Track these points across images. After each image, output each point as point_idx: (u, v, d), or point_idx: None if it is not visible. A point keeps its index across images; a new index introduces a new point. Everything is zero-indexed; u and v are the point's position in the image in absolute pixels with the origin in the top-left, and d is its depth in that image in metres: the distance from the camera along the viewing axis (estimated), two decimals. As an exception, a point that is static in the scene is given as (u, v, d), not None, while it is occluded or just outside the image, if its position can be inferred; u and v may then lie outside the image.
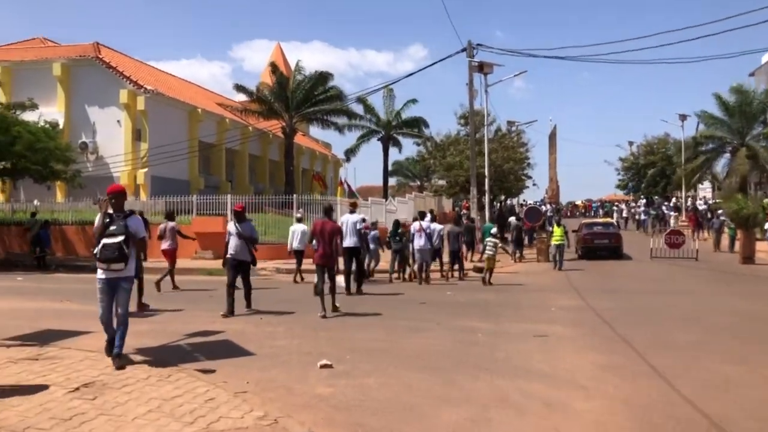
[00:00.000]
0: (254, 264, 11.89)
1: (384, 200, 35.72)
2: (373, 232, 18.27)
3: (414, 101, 49.90)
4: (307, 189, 42.64)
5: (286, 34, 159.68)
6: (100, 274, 7.22)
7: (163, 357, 7.83)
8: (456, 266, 18.53)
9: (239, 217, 11.51)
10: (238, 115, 38.35)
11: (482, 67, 26.48)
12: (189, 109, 35.12)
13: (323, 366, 7.43)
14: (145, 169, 31.35)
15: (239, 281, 11.57)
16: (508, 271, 20.86)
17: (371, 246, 17.78)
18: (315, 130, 54.48)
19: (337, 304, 11.74)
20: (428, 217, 18.94)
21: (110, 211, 7.24)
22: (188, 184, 34.16)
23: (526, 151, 38.88)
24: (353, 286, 14.60)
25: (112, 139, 31.71)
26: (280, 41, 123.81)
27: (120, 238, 7.04)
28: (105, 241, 7.04)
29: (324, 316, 10.98)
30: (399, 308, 12.44)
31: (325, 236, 11.41)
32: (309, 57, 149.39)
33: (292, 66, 40.22)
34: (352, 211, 15.47)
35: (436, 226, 17.64)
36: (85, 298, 13.04)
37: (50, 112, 31.39)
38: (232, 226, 11.53)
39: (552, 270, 21.56)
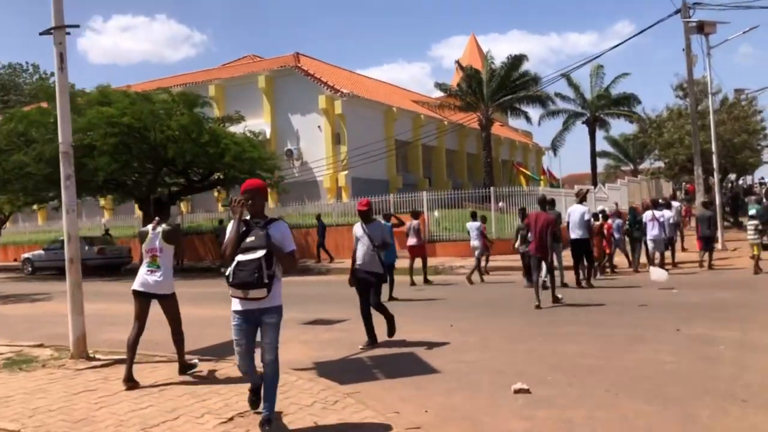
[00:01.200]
0: (384, 280, 9.20)
1: (593, 187, 32.87)
2: (617, 221, 17.35)
3: (625, 75, 46.00)
4: (509, 180, 40.93)
5: (483, 27, 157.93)
6: (235, 305, 5.14)
7: (339, 373, 6.99)
8: (706, 255, 16.82)
9: (365, 217, 8.85)
10: (434, 110, 37.83)
11: (702, 27, 22.90)
12: (384, 108, 35.22)
13: (518, 391, 6.07)
14: (346, 172, 31.86)
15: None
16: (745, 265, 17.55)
17: (616, 236, 16.93)
18: (515, 121, 52.77)
19: (559, 296, 11.78)
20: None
21: (246, 216, 5.23)
22: (387, 183, 34.24)
23: (761, 120, 33.58)
24: (583, 280, 14.04)
25: (314, 144, 32.70)
26: (477, 34, 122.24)
27: (260, 254, 4.99)
28: (240, 257, 5.03)
29: (538, 306, 11.00)
30: (616, 312, 10.58)
31: (538, 227, 11.42)
32: (508, 47, 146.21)
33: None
34: (580, 202, 14.65)
35: (667, 213, 16.61)
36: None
37: (258, 123, 33.20)
38: (358, 228, 8.75)
39: None
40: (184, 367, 6.97)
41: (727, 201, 25.36)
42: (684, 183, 44.50)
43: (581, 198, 15.06)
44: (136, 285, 6.68)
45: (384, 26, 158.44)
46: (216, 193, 28.62)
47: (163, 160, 23.53)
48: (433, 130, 37.22)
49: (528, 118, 40.14)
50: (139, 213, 33.97)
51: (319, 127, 32.59)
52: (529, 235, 11.74)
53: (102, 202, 33.98)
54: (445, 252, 24.23)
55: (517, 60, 35.43)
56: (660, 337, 8.23)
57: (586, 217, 13.93)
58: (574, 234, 13.80)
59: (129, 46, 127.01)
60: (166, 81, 37.54)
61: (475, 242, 16.96)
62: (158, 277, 6.65)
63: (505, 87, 35.39)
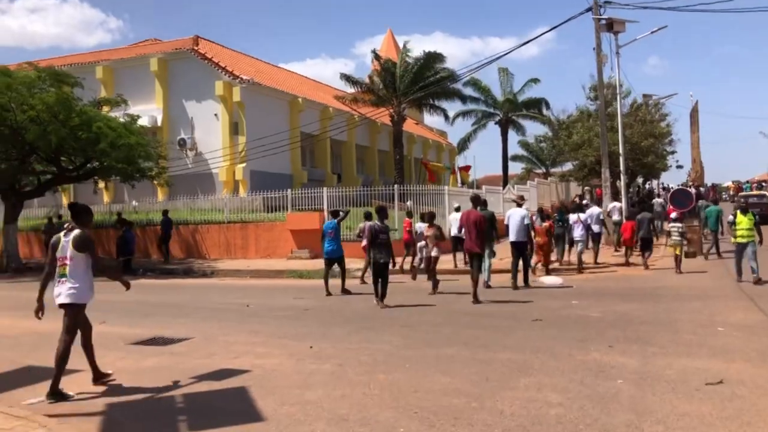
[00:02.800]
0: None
1: (501, 188, 32.07)
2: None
3: (535, 81, 45.66)
4: (421, 179, 39.76)
5: (407, 26, 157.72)
6: None
7: (120, 423, 5.20)
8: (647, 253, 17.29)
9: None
10: (345, 103, 36.11)
11: (611, 26, 22.24)
12: (289, 98, 33.16)
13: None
14: (244, 164, 29.66)
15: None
16: (643, 272, 16.78)
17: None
18: (430, 119, 51.83)
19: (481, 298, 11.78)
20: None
21: None
22: (291, 178, 32.24)
23: (667, 126, 33.67)
24: (520, 280, 14.02)
25: (210, 134, 30.32)
26: (401, 35, 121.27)
27: None
28: None
29: (477, 301, 11.51)
30: (504, 328, 9.16)
31: (470, 223, 11.83)
32: (431, 47, 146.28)
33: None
34: (519, 205, 15.03)
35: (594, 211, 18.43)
36: (129, 316, 10.88)
37: (149, 109, 30.62)
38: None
39: (707, 264, 17.41)
40: (53, 389, 6.09)
41: (634, 204, 24.88)
42: (593, 187, 44.78)
43: (520, 202, 15.51)
44: (56, 297, 6.35)
45: (308, 22, 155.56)
46: (96, 184, 25.90)
47: (28, 145, 20.77)
48: (342, 124, 35.44)
49: (447, 116, 39.31)
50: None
51: (215, 115, 30.23)
52: (463, 232, 12.47)
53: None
54: (347, 252, 22.53)
55: (432, 57, 34.20)
56: (548, 366, 6.81)
57: (526, 221, 14.15)
58: (514, 237, 13.97)
59: (37, 28, 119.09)
60: (54, 61, 34.19)
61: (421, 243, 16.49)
62: (67, 287, 6.30)
63: (418, 83, 34.10)
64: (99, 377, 6.61)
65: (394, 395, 5.87)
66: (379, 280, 11.59)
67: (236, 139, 30.06)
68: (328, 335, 8.85)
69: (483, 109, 45.59)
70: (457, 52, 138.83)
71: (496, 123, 45.67)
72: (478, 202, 12.80)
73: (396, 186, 23.86)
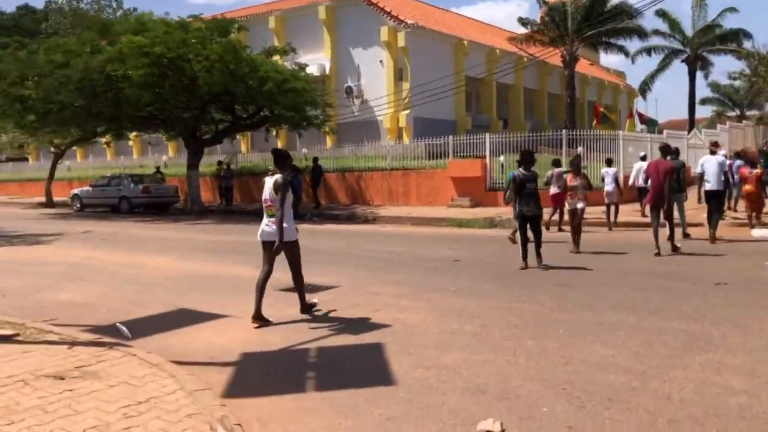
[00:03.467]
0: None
1: (686, 133, 29.06)
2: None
3: (732, 9, 40.53)
4: (594, 124, 37.18)
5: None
6: None
7: (253, 375, 5.08)
8: None
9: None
10: (514, 44, 34.40)
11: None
12: (454, 42, 32.19)
13: (483, 436, 3.95)
14: (407, 111, 29.41)
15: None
16: None
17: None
18: (606, 59, 48.33)
19: (678, 245, 11.53)
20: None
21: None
22: (454, 124, 31.56)
23: None
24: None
25: (375, 81, 30.31)
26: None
27: None
28: None
29: (658, 254, 10.85)
30: (681, 291, 8.03)
31: (659, 176, 11.20)
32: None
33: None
34: (713, 152, 13.78)
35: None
36: (284, 261, 11.03)
37: (318, 58, 31.20)
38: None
39: None
40: (305, 308, 7.21)
41: None
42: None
43: (713, 149, 14.10)
44: (259, 235, 7.11)
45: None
46: (267, 132, 26.94)
47: (206, 95, 21.94)
48: (509, 66, 33.86)
49: (626, 53, 36.19)
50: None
51: (380, 61, 30.11)
52: (648, 183, 11.88)
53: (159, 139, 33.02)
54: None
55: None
56: (732, 341, 5.76)
57: (724, 168, 13.28)
58: (711, 185, 13.02)
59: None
60: (234, 13, 35.91)
61: (608, 188, 16.40)
62: (273, 228, 6.90)
63: (591, 19, 31.55)
64: (305, 308, 7.24)
65: (542, 366, 5.21)
66: (529, 237, 10.02)
67: (400, 86, 29.81)
68: (477, 291, 8.28)
69: (668, 45, 41.54)
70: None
71: (682, 61, 41.46)
72: (668, 151, 12.18)
73: (564, 131, 22.31)
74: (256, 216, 23.33)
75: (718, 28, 40.11)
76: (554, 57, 34.32)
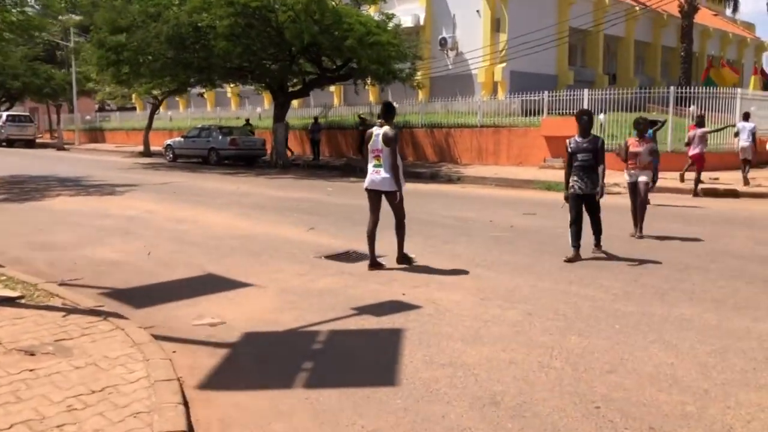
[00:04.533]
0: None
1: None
2: None
3: None
4: (719, 80, 33.74)
5: None
6: None
7: (263, 358, 4.54)
8: None
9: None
10: (626, -6, 31.73)
11: None
12: (558, -10, 30.02)
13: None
14: (504, 64, 27.78)
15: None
16: None
17: None
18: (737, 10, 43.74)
19: None
20: None
21: None
22: (555, 79, 29.61)
23: None
24: None
25: (471, 32, 28.75)
26: None
27: None
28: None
29: None
30: (725, 268, 6.79)
31: None
32: None
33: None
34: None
35: None
36: (341, 223, 10.51)
37: (412, 8, 30.02)
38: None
39: None
40: (403, 259, 7.53)
41: None
42: None
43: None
44: (366, 183, 7.49)
45: None
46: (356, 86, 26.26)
47: (293, 46, 21.48)
48: (619, 17, 31.24)
49: (736, 5, 32.68)
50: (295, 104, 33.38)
51: (477, 11, 28.51)
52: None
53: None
54: (611, 165, 20.12)
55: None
56: (834, 356, 4.63)
57: None
58: None
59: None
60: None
61: (744, 143, 16.18)
62: (382, 175, 7.26)
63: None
64: (401, 259, 7.56)
65: (579, 373, 4.33)
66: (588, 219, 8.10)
67: (497, 37, 28.16)
68: (535, 269, 7.35)
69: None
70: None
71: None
72: None
73: (672, 88, 20.26)
74: (340, 171, 23.43)
75: None
76: (671, 6, 31.40)
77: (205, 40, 20.92)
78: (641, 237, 9.30)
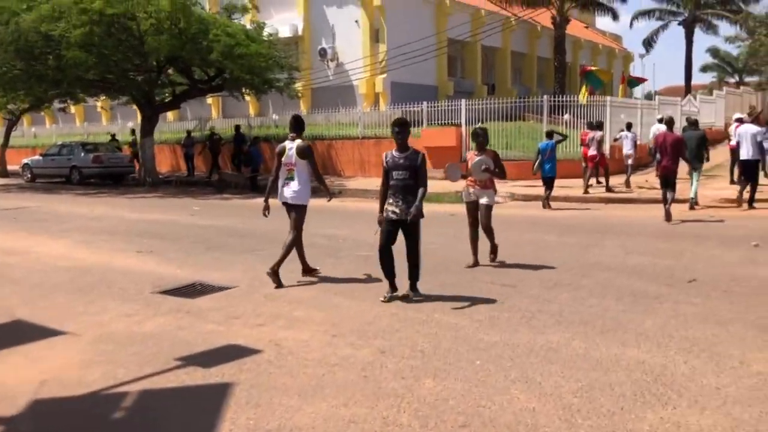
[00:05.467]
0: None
1: (679, 99, 27.31)
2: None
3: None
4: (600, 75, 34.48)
5: None
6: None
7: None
8: None
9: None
10: (497, 4, 32.27)
11: None
12: (436, 1, 30.14)
13: None
14: (384, 75, 27.50)
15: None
16: None
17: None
18: (603, 22, 46.08)
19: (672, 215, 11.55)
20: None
21: None
22: (436, 89, 29.69)
23: None
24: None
25: (351, 43, 28.32)
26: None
27: None
28: None
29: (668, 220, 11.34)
30: (649, 296, 6.49)
31: (667, 148, 11.58)
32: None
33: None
34: (752, 122, 14.45)
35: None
36: (192, 249, 9.51)
37: (290, 17, 29.22)
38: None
39: None
40: (273, 275, 7.15)
41: None
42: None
43: (754, 118, 14.99)
44: (279, 197, 7.40)
45: None
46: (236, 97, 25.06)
47: (158, 57, 20.10)
48: (496, 28, 31.74)
49: (615, 15, 34.05)
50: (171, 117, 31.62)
51: (356, 21, 28.12)
52: (657, 156, 11.97)
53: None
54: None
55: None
56: (701, 385, 4.21)
57: (759, 138, 13.26)
58: (745, 155, 13.27)
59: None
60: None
61: (629, 151, 17.38)
62: (293, 188, 7.22)
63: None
64: (307, 270, 7.60)
65: (428, 431, 3.68)
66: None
67: (377, 48, 27.89)
68: (401, 293, 6.73)
69: (664, 7, 39.70)
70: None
71: (679, 24, 39.58)
72: (671, 124, 12.89)
73: (545, 97, 20.59)
74: (214, 188, 22.14)
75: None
76: (545, 18, 32.35)
77: (58, 50, 19.15)
78: (496, 263, 8.12)
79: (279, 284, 7.04)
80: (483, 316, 5.89)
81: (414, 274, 6.61)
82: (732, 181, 16.42)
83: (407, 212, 6.33)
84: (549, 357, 4.80)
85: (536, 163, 14.31)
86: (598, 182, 17.04)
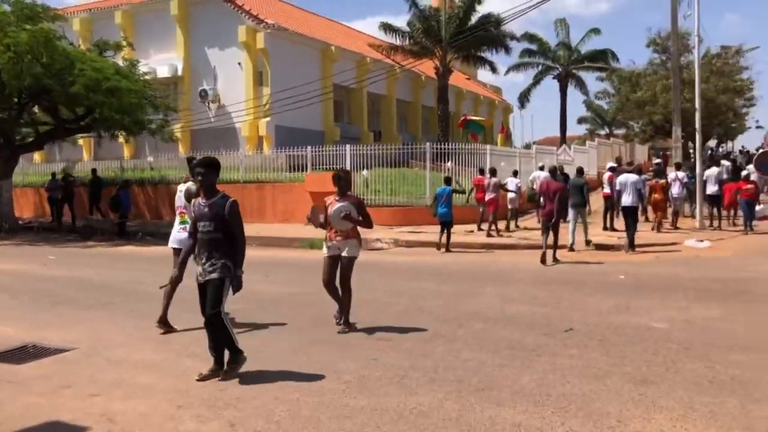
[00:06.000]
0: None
1: (555, 149, 28.53)
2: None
3: (596, 31, 41.64)
4: (468, 138, 35.76)
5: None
6: None
7: None
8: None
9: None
10: (383, 53, 32.72)
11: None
12: (321, 46, 30.09)
13: None
14: (268, 119, 26.95)
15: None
16: (719, 252, 13.47)
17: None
18: (484, 74, 47.85)
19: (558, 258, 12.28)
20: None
21: None
22: (322, 134, 29.44)
23: (748, 79, 29.10)
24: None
25: (233, 85, 27.68)
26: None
27: None
28: None
29: (543, 262, 11.79)
30: (526, 349, 6.23)
31: (550, 195, 12.17)
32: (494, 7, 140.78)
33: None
34: (630, 171, 15.62)
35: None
36: (35, 304, 8.43)
37: (169, 58, 28.28)
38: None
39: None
40: (163, 323, 6.93)
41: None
42: (658, 150, 40.60)
43: (636, 169, 15.98)
44: (171, 242, 7.29)
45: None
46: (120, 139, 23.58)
47: (22, 92, 18.59)
48: (381, 76, 32.11)
49: (493, 68, 35.44)
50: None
51: (239, 64, 27.53)
52: (541, 201, 12.60)
53: None
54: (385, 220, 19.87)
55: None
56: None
57: (638, 186, 14.27)
58: (626, 201, 14.05)
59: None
60: (77, 8, 32.25)
61: (512, 195, 18.21)
62: (185, 235, 6.62)
63: (465, 31, 30.50)
64: (164, 322, 7.00)
65: None
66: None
67: (261, 91, 27.38)
68: (263, 356, 6.05)
69: (540, 62, 41.97)
70: (522, 6, 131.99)
71: (554, 78, 41.91)
72: (555, 173, 13.64)
73: (428, 144, 20.79)
74: (79, 235, 20.50)
75: (584, 47, 41.11)
76: (428, 68, 33.13)
77: None
78: (346, 330, 6.89)
79: (169, 329, 6.97)
80: (352, 375, 5.38)
81: (218, 361, 5.41)
82: (605, 227, 17.03)
83: (209, 274, 5.29)
84: (419, 424, 4.34)
85: (433, 207, 15.14)
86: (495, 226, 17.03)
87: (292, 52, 28.04)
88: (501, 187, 17.61)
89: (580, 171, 16.15)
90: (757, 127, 41.55)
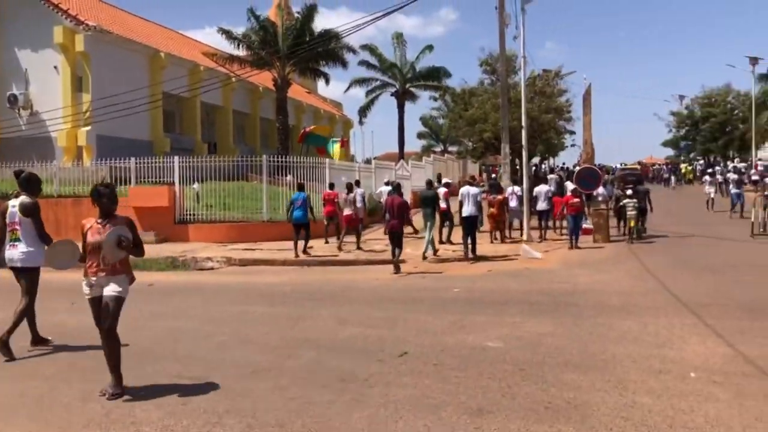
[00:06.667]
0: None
1: (393, 164, 28.83)
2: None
3: (430, 48, 42.98)
4: (320, 132, 34.58)
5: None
6: None
7: None
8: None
9: None
10: (218, 62, 31.41)
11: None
12: (149, 52, 28.23)
13: None
14: (88, 127, 24.76)
15: None
16: (547, 264, 14.00)
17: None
18: (325, 89, 47.73)
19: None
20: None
21: None
22: (151, 145, 27.55)
23: (567, 101, 31.28)
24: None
25: (48, 90, 25.18)
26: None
27: None
28: None
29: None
30: (359, 380, 5.72)
31: (394, 209, 12.91)
32: (337, 20, 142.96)
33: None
34: (471, 184, 16.42)
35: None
36: None
37: (-26, 57, 25.21)
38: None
39: (621, 258, 14.70)
40: (37, 340, 6.88)
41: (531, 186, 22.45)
42: (488, 166, 42.64)
43: (476, 182, 17.61)
44: (7, 261, 6.70)
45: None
46: None
47: None
48: (215, 85, 30.71)
49: (327, 80, 35.17)
50: None
51: (55, 67, 25.09)
52: (386, 216, 13.26)
53: None
54: (200, 236, 18.66)
55: (310, 13, 30.29)
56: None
57: (479, 198, 15.45)
58: (467, 212, 14.75)
59: None
60: None
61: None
62: (21, 250, 6.67)
63: (302, 44, 30.06)
64: (38, 341, 6.92)
65: None
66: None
67: (80, 98, 25.11)
68: (49, 404, 5.06)
69: (379, 77, 42.61)
70: (365, 27, 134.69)
71: (391, 95, 42.71)
72: (399, 189, 14.20)
73: (264, 157, 20.00)
74: None
75: (419, 65, 42.29)
76: (266, 79, 32.28)
77: None
78: (114, 397, 5.24)
79: (11, 357, 6.49)
80: (153, 428, 4.55)
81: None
82: (441, 241, 17.19)
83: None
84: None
85: (289, 211, 15.73)
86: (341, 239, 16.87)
87: (117, 56, 26.04)
88: (363, 201, 17.97)
89: (429, 183, 16.61)
90: (571, 145, 45.25)
